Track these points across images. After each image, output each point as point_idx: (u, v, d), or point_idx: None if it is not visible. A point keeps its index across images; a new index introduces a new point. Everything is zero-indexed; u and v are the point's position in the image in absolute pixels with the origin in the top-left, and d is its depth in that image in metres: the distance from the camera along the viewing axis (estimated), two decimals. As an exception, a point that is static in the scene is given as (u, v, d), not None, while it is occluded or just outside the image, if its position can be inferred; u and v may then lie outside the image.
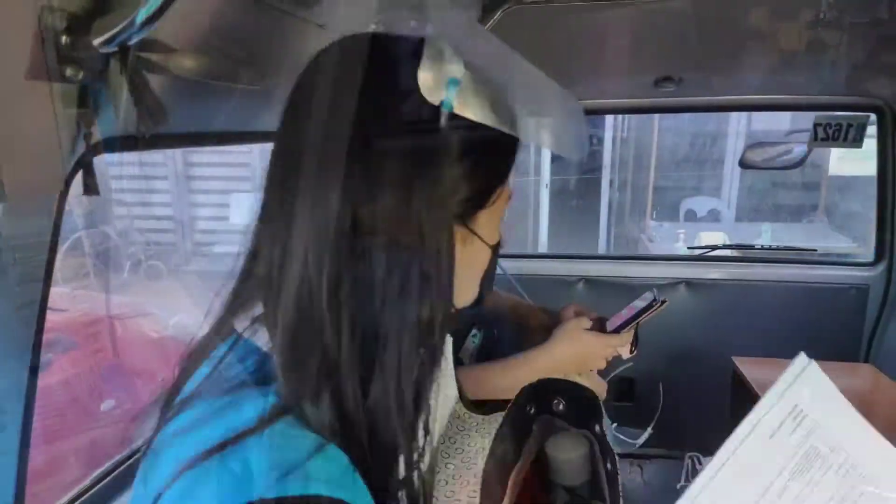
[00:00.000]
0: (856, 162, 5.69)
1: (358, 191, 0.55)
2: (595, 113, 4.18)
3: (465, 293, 0.70)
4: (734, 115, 6.43)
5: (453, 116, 0.56)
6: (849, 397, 2.04)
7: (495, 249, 0.71)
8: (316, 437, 0.54)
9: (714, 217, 7.23)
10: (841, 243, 5.80)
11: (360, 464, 0.55)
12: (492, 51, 0.69)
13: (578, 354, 1.26)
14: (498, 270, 2.22)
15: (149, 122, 0.61)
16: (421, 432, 0.62)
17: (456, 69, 0.55)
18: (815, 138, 2.39)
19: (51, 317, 0.74)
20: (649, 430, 2.53)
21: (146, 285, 5.11)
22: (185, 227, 6.41)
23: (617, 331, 1.34)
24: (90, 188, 0.66)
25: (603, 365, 1.32)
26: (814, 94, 2.43)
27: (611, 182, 7.38)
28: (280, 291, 0.55)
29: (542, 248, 6.90)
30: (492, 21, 1.88)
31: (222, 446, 0.50)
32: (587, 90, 2.44)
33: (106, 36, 0.54)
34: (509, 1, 1.85)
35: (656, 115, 6.37)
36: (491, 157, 0.64)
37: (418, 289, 0.57)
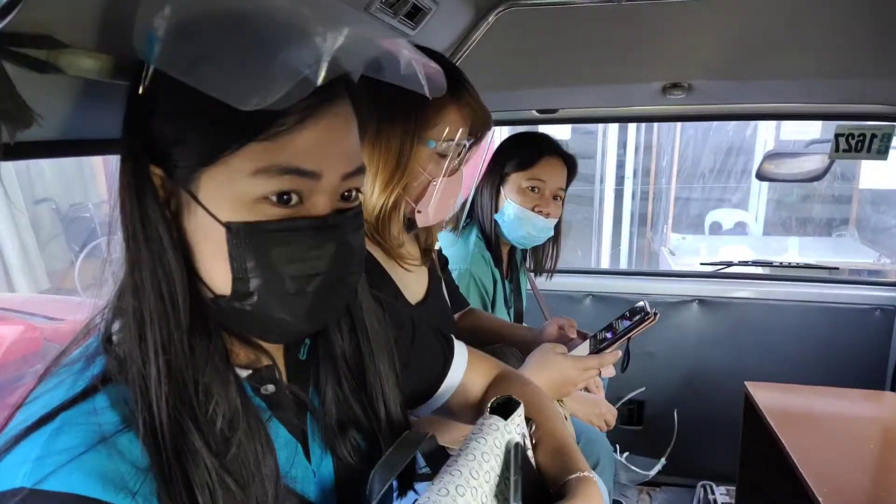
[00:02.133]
0: (890, 173, 5.46)
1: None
2: (599, 121, 4.05)
3: (210, 275, 0.62)
4: (763, 122, 6.24)
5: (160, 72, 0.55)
6: (872, 426, 1.90)
7: (241, 228, 0.59)
8: (116, 422, 0.56)
9: (741, 230, 7.02)
10: (871, 258, 5.56)
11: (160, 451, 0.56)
12: None
13: (552, 380, 1.16)
14: (527, 286, 2.15)
15: (10, 128, 0.54)
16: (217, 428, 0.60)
17: (158, 22, 0.54)
18: (837, 150, 2.26)
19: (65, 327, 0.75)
20: (662, 461, 2.38)
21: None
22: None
23: (599, 350, 1.24)
24: None
25: (579, 389, 1.22)
26: (834, 103, 2.28)
27: (633, 193, 7.22)
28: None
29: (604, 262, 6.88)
30: (485, 24, 1.80)
31: (31, 427, 0.55)
32: (589, 97, 2.34)
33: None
34: (503, 3, 1.77)
35: (678, 123, 6.21)
36: (190, 108, 0.58)
37: (137, 252, 0.59)
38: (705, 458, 2.42)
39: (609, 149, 7.04)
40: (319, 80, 0.52)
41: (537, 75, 2.11)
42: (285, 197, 0.60)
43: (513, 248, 1.96)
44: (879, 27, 1.78)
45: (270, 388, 0.69)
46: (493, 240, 1.85)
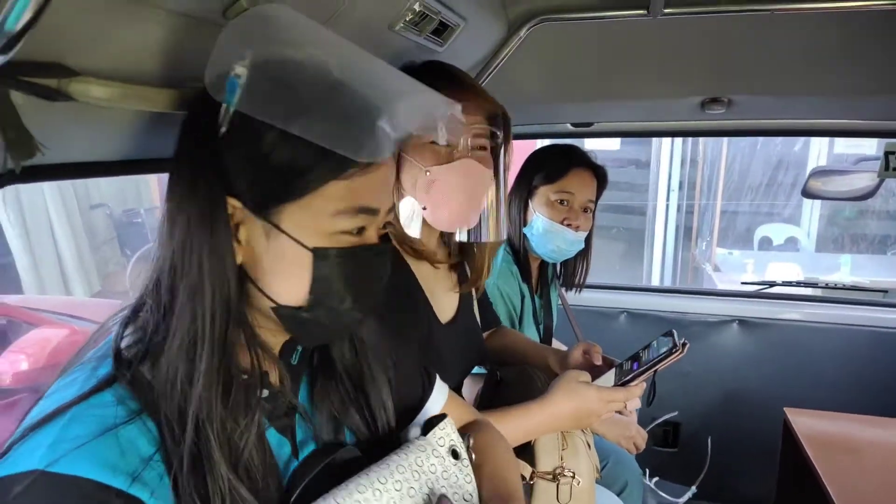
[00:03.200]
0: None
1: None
2: (636, 135, 3.99)
3: (282, 291, 0.70)
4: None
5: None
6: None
7: (347, 262, 0.70)
8: (123, 416, 0.62)
9: (792, 246, 6.79)
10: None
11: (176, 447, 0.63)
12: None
13: (576, 410, 1.15)
14: (558, 302, 2.13)
15: (16, 155, 0.57)
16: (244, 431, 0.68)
17: (239, 70, 0.61)
18: (887, 168, 2.16)
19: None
20: (693, 489, 2.30)
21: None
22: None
23: (625, 382, 1.21)
24: None
25: (599, 420, 1.20)
26: (883, 119, 2.19)
27: (678, 207, 7.08)
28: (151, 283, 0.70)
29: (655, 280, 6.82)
30: (517, 39, 1.79)
31: (47, 418, 0.61)
32: (625, 111, 2.30)
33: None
34: (535, 16, 1.76)
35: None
36: (277, 150, 0.65)
37: (198, 273, 0.65)
38: (738, 486, 2.33)
39: (663, 158, 6.95)
40: (408, 135, 0.65)
41: (571, 89, 2.09)
42: (357, 230, 0.71)
43: (543, 263, 1.94)
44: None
45: (265, 392, 0.75)
46: (522, 254, 1.83)
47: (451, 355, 1.29)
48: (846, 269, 5.44)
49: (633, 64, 1.98)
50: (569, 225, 1.74)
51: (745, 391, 2.36)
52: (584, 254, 1.90)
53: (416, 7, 1.23)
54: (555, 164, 1.82)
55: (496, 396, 1.43)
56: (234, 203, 0.67)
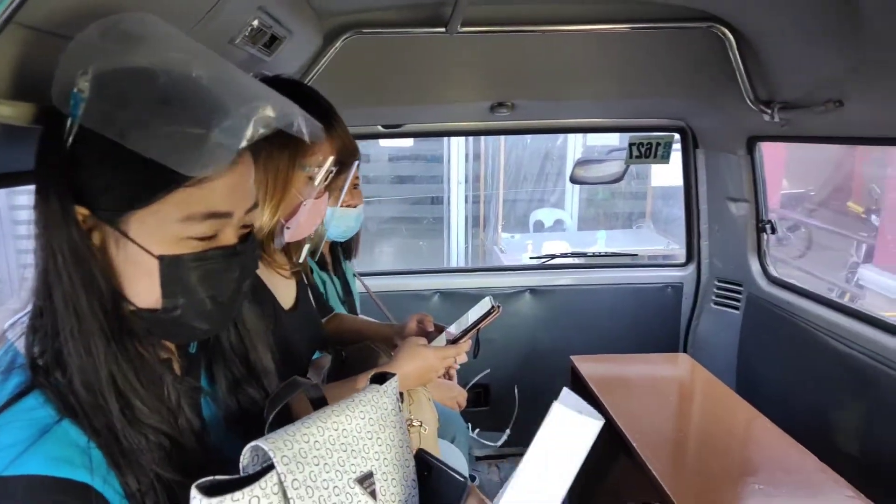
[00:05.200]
0: (673, 173, 6.41)
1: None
2: (438, 135, 4.40)
3: (139, 295, 0.73)
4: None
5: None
6: (671, 383, 2.31)
7: (193, 264, 0.73)
8: (53, 415, 0.66)
9: (560, 227, 7.77)
10: (662, 245, 6.51)
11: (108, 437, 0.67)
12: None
13: (419, 369, 1.35)
14: (361, 289, 2.30)
15: None
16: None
17: (82, 84, 0.64)
18: (631, 156, 2.71)
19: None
20: (507, 431, 2.69)
21: None
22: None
23: (455, 341, 1.44)
24: None
25: (439, 374, 1.42)
26: (630, 118, 2.75)
27: (466, 197, 7.71)
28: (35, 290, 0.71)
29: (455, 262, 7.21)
30: (333, 49, 1.95)
31: None
32: (428, 114, 2.58)
33: None
34: (349, 30, 1.93)
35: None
36: (122, 162, 0.67)
37: (69, 280, 0.68)
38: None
39: (453, 153, 7.51)
40: (242, 145, 0.67)
41: (382, 94, 2.31)
42: (209, 234, 0.74)
43: (332, 245, 2.05)
44: (661, 58, 2.21)
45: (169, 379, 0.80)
46: None
47: (297, 341, 1.41)
48: (602, 243, 6.45)
49: (435, 73, 2.26)
50: (349, 206, 1.87)
51: (540, 347, 2.79)
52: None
53: (255, 23, 1.34)
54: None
55: (343, 374, 1.58)
56: (82, 211, 0.69)
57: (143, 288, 0.73)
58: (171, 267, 0.71)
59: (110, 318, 0.70)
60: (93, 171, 0.69)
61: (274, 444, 0.69)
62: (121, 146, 0.65)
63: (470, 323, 1.45)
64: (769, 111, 2.04)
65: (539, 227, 7.75)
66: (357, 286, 2.18)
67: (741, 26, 1.95)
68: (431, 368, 1.38)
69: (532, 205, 7.95)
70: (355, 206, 1.87)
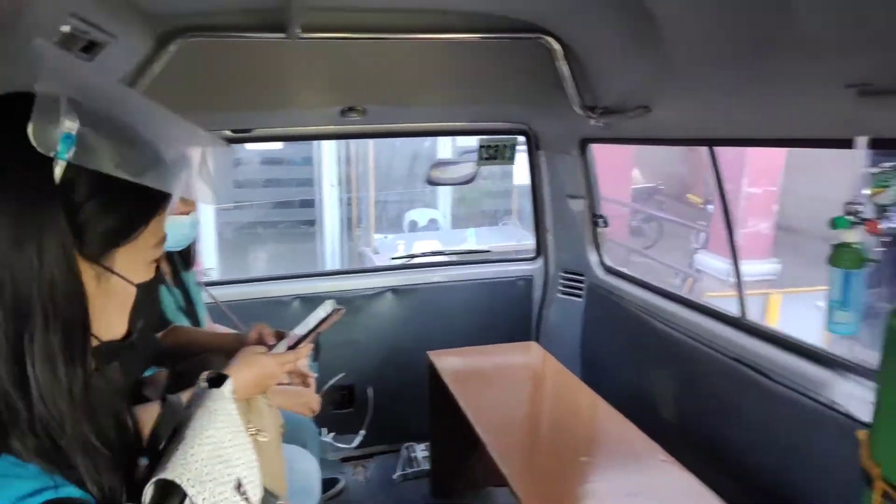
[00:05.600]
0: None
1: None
2: (291, 139, 4.36)
3: (110, 327, 0.75)
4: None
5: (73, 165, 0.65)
6: (522, 371, 2.46)
7: (148, 286, 0.77)
8: None
9: (434, 226, 7.95)
10: (530, 240, 6.86)
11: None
12: (126, 103, 0.74)
13: (256, 376, 1.35)
14: (208, 299, 2.24)
15: None
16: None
17: (69, 124, 0.64)
18: (481, 158, 2.85)
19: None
20: (362, 432, 2.73)
21: None
22: None
23: (294, 346, 1.47)
24: None
25: (280, 380, 1.44)
26: (477, 122, 2.88)
27: (340, 199, 7.68)
28: None
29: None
30: (167, 53, 1.89)
31: None
32: (278, 119, 2.57)
33: None
34: (183, 33, 1.88)
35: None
36: (112, 200, 0.69)
37: (44, 319, 0.66)
38: (405, 423, 2.83)
39: (324, 156, 7.44)
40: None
41: (226, 99, 2.26)
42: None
43: (168, 255, 1.98)
44: (501, 66, 2.35)
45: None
46: None
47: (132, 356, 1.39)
48: (472, 240, 6.68)
49: (281, 77, 2.25)
50: (182, 213, 1.84)
51: (402, 346, 2.86)
52: None
53: (67, 30, 1.28)
54: None
55: (178, 388, 1.54)
56: None
57: (115, 318, 0.75)
58: (143, 293, 0.75)
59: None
60: (82, 213, 0.68)
61: (175, 472, 0.71)
62: (106, 181, 0.66)
63: (310, 327, 1.47)
64: (594, 116, 2.23)
65: (413, 226, 7.88)
66: (203, 296, 2.13)
67: (566, 38, 2.12)
68: (270, 375, 1.39)
69: (406, 205, 8.06)
70: (188, 213, 1.83)
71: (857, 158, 1.28)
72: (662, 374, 2.35)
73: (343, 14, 1.97)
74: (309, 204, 7.72)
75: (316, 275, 2.91)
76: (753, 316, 2.08)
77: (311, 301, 2.80)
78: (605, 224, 2.80)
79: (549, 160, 2.90)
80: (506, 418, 2.10)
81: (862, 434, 1.24)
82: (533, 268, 3.10)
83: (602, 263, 2.85)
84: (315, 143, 7.31)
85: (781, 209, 7.21)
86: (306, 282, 2.88)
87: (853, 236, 1.27)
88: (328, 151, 7.48)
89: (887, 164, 1.26)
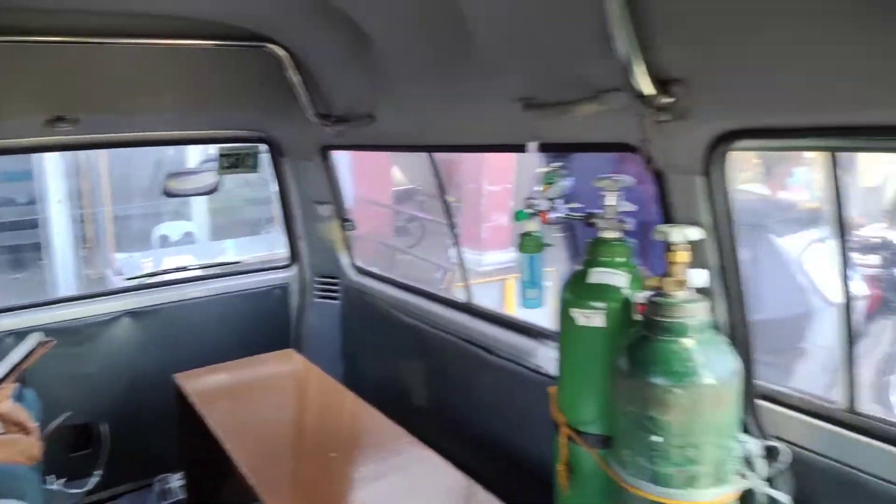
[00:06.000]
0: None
1: None
2: None
3: None
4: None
5: None
6: (280, 381, 2.43)
7: None
8: None
9: (189, 239, 7.41)
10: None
11: None
12: None
13: None
14: None
15: None
16: None
17: None
18: (221, 167, 2.76)
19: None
20: (97, 472, 2.41)
21: None
22: None
23: None
24: None
25: None
26: (211, 130, 2.77)
27: (72, 217, 6.80)
28: None
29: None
30: None
31: None
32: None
33: None
34: None
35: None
36: None
37: None
38: (156, 455, 2.61)
39: (49, 170, 6.51)
40: None
41: None
42: None
43: None
44: (229, 74, 2.29)
45: None
46: None
47: None
48: (232, 252, 6.34)
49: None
50: None
51: (145, 373, 2.63)
52: None
53: None
54: None
55: None
56: None
57: None
58: None
59: None
60: None
61: None
62: None
63: (13, 363, 1.33)
64: (328, 124, 2.31)
65: (165, 241, 7.28)
66: None
67: (292, 47, 2.16)
68: None
69: (154, 219, 7.41)
70: None
71: (534, 160, 1.53)
72: (411, 364, 2.52)
73: (36, 16, 1.78)
74: (32, 224, 6.72)
75: (29, 306, 2.53)
76: (493, 300, 2.35)
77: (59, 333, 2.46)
78: (353, 227, 2.90)
79: (294, 167, 2.92)
80: (260, 431, 2.06)
81: (552, 389, 1.49)
82: (288, 275, 3.09)
83: (354, 265, 2.95)
84: (35, 158, 6.40)
85: (516, 205, 8.08)
86: (18, 315, 2.49)
87: (533, 226, 1.51)
88: (53, 163, 6.58)
89: (555, 164, 1.52)
